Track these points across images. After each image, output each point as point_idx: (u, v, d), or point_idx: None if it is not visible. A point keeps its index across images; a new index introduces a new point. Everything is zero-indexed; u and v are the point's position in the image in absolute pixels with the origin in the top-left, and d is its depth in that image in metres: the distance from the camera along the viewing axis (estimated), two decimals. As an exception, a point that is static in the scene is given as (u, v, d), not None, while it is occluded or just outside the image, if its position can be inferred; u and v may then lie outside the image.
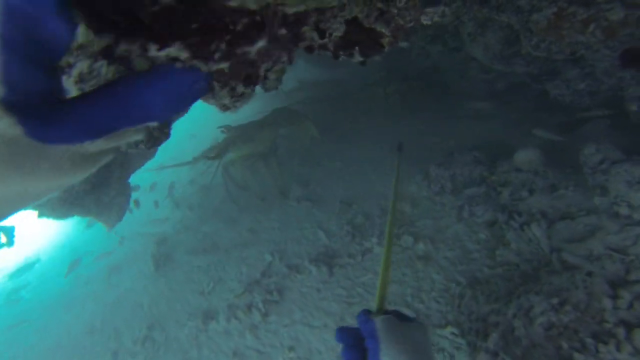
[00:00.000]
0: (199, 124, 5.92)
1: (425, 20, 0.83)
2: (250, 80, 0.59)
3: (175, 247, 2.74)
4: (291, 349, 1.52)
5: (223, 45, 0.34)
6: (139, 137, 0.35)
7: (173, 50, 0.33)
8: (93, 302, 2.69)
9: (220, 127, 2.66)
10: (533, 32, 1.47)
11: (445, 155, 2.17)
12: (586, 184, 1.46)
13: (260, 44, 0.36)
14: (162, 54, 0.34)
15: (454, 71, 3.18)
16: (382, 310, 0.55)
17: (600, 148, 1.37)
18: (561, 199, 1.45)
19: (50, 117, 0.26)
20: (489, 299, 1.20)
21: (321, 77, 4.67)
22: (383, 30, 0.64)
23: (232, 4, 0.28)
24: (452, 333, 1.23)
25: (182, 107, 0.37)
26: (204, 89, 0.39)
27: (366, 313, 0.54)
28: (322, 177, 2.78)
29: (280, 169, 2.74)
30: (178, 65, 0.35)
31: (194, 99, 0.38)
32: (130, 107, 0.29)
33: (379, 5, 0.58)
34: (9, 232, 3.01)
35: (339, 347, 1.42)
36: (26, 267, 4.80)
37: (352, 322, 1.50)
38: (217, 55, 0.35)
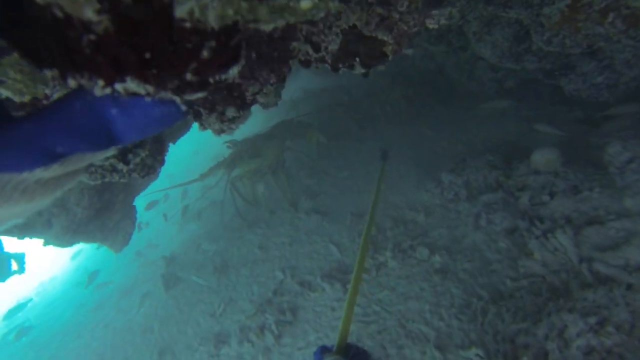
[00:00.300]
0: (201, 140, 5.90)
1: (431, 24, 0.77)
2: (239, 104, 0.52)
3: (184, 266, 2.69)
4: (307, 375, 1.45)
5: (190, 76, 0.28)
6: (109, 153, 0.30)
7: (131, 86, 0.27)
8: (102, 328, 2.64)
9: (226, 142, 2.62)
10: (545, 26, 1.39)
11: (457, 161, 2.08)
12: (613, 184, 1.37)
13: (236, 68, 0.29)
14: (119, 88, 0.28)
15: (460, 72, 3.08)
16: (342, 347, 0.57)
17: (627, 145, 1.28)
18: (586, 202, 1.35)
19: None
20: (516, 316, 1.11)
21: (326, 85, 4.62)
22: (385, 38, 0.57)
23: (186, 25, 0.21)
24: (477, 355, 1.14)
25: (151, 131, 0.32)
26: (179, 114, 0.34)
27: (323, 351, 0.57)
28: (331, 188, 2.71)
29: (288, 182, 2.67)
30: (146, 98, 0.29)
31: (167, 124, 0.34)
32: (88, 130, 0.26)
33: (379, 10, 0.51)
34: (20, 259, 3.00)
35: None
36: (20, 307, 4.83)
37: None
38: (188, 87, 0.28)
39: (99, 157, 0.29)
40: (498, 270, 1.39)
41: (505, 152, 2.01)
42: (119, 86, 0.27)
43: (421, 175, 2.34)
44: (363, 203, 2.39)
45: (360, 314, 1.57)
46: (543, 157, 1.66)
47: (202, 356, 1.79)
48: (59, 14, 0.22)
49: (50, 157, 0.24)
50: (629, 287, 0.94)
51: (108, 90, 0.27)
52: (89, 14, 0.19)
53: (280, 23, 0.23)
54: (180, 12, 0.21)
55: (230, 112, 0.54)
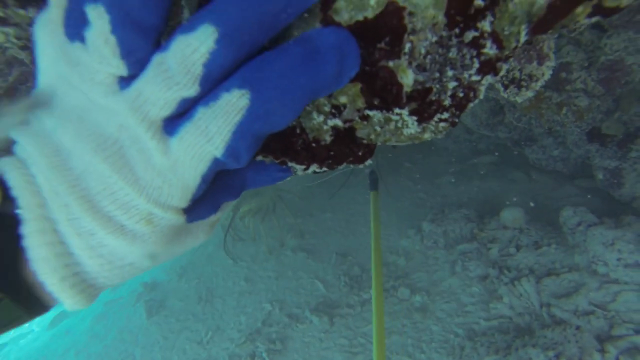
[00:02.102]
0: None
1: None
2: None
3: (168, 294, 2.72)
4: (298, 401, 1.55)
5: (327, 165, 0.46)
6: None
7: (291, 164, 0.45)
8: (75, 355, 2.58)
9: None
10: (517, 107, 1.71)
11: (435, 212, 2.33)
12: (566, 242, 1.64)
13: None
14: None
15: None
16: None
17: (577, 211, 1.56)
18: (545, 256, 1.60)
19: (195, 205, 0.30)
20: (489, 350, 1.30)
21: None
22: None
23: (363, 141, 0.41)
24: (456, 384, 1.31)
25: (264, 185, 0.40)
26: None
27: None
28: (315, 228, 2.88)
29: (279, 221, 2.83)
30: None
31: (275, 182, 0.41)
32: (239, 187, 0.33)
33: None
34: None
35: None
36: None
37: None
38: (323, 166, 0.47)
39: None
40: (472, 312, 1.59)
41: (478, 207, 2.29)
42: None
43: (402, 222, 2.56)
44: (347, 244, 2.56)
45: (346, 345, 1.70)
46: (511, 215, 1.94)
47: (190, 383, 1.85)
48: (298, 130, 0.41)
49: (218, 207, 0.31)
50: (578, 327, 1.17)
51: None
52: (326, 136, 0.39)
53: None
54: (360, 134, 0.41)
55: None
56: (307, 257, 2.51)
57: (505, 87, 0.40)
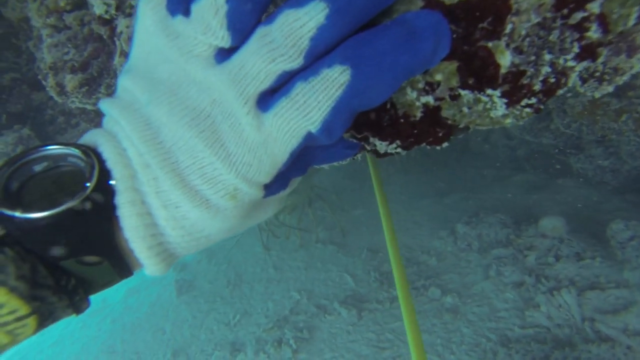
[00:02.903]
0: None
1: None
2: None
3: (197, 275, 2.81)
4: (324, 388, 1.57)
5: (409, 142, 0.46)
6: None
7: (373, 140, 0.46)
8: (110, 322, 2.72)
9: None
10: (567, 113, 1.65)
11: (470, 215, 2.28)
12: (613, 256, 1.57)
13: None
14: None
15: (477, 133, 3.37)
16: None
17: (629, 224, 1.49)
18: (588, 269, 1.54)
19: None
20: (525, 358, 1.27)
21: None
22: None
23: (448, 122, 0.41)
24: (486, 388, 1.29)
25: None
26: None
27: None
28: (346, 223, 2.88)
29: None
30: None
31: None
32: (306, 164, 0.34)
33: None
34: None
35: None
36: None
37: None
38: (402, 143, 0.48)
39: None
40: (506, 318, 1.56)
41: (514, 213, 2.22)
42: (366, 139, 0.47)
43: (433, 223, 2.53)
44: (378, 240, 2.55)
45: (374, 339, 1.71)
46: (550, 224, 1.88)
47: (218, 361, 1.91)
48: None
49: (289, 183, 0.32)
50: (629, 347, 1.12)
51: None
52: (417, 112, 0.40)
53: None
54: (446, 114, 0.41)
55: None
56: (338, 250, 2.52)
57: (584, 80, 0.40)
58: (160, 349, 2.17)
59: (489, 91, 0.36)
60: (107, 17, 0.64)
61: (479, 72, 0.35)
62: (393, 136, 0.43)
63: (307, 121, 0.24)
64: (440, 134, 0.44)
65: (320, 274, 2.32)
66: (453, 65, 0.35)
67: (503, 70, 0.34)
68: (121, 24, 0.73)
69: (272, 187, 0.29)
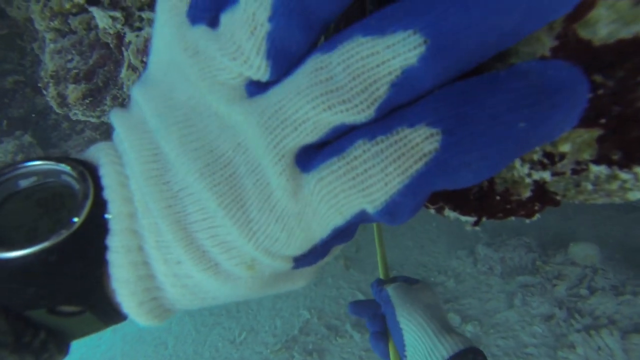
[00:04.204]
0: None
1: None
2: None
3: (203, 285, 2.72)
4: None
5: None
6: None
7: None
8: (111, 332, 2.64)
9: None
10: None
11: (491, 235, 2.16)
12: (656, 293, 1.44)
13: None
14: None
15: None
16: (390, 278, 0.59)
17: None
18: (630, 306, 1.42)
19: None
20: (561, 408, 1.15)
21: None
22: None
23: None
24: None
25: None
26: None
27: (380, 283, 0.57)
28: (358, 237, 2.78)
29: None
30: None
31: None
32: (353, 229, 0.31)
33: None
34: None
35: None
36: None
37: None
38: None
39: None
40: (535, 355, 1.44)
41: (539, 236, 2.10)
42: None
43: (451, 241, 2.41)
44: (390, 257, 2.45)
45: (389, 371, 1.60)
46: (582, 251, 1.75)
47: (222, 383, 1.81)
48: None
49: (328, 250, 0.26)
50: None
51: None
52: (525, 192, 0.29)
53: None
54: (554, 188, 0.31)
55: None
56: (349, 266, 2.42)
57: None
58: (162, 365, 2.09)
59: (638, 168, 0.26)
60: (111, 32, 0.54)
61: (634, 145, 0.25)
62: (479, 211, 0.32)
63: (365, 198, 0.17)
64: (536, 207, 0.34)
65: (331, 290, 2.22)
66: (592, 133, 0.25)
67: None
68: (129, 34, 0.63)
69: (305, 259, 0.22)
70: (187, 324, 2.33)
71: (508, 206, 0.31)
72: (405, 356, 0.47)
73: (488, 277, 1.96)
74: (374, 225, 0.64)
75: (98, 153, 0.21)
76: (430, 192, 0.17)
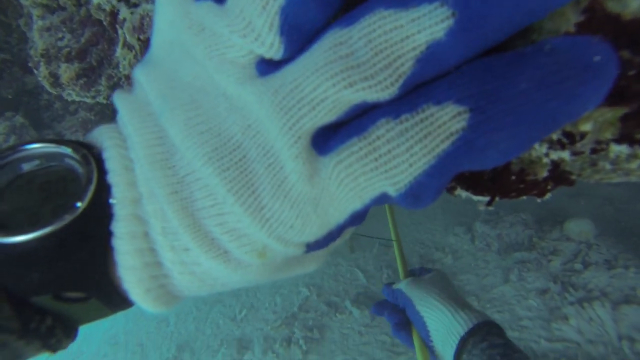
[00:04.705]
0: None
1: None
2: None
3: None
4: (336, 395, 1.52)
5: None
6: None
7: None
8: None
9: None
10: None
11: (489, 212, 2.18)
12: (647, 266, 1.48)
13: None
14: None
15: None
16: (409, 273, 0.63)
17: (669, 235, 1.39)
18: (621, 279, 1.45)
19: None
20: (554, 377, 1.20)
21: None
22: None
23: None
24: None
25: None
26: None
27: (389, 286, 0.61)
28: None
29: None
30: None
31: None
32: (365, 211, 0.29)
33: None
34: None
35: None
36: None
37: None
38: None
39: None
40: (530, 328, 1.48)
41: (536, 212, 2.12)
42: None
43: (448, 217, 2.43)
44: (390, 235, 2.48)
45: (388, 342, 1.64)
46: (578, 227, 1.77)
47: (225, 359, 1.85)
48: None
49: (340, 233, 0.24)
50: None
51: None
52: (543, 172, 0.29)
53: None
54: (569, 167, 0.30)
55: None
56: (347, 243, 2.44)
57: None
58: (165, 342, 2.13)
59: None
60: (106, 8, 0.52)
61: None
62: (492, 191, 0.32)
63: (387, 180, 0.16)
64: (549, 187, 0.34)
65: (330, 268, 2.25)
66: (615, 112, 0.25)
67: None
68: (123, 10, 0.61)
69: (318, 244, 0.21)
70: (188, 302, 2.36)
71: (522, 185, 0.31)
72: (432, 340, 0.48)
73: (485, 253, 2.00)
74: (391, 228, 0.64)
75: (102, 136, 0.21)
76: (456, 173, 0.17)
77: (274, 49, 0.16)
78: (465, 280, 1.88)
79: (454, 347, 0.46)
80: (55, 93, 0.92)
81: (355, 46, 0.15)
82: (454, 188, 0.32)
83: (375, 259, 2.24)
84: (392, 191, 0.17)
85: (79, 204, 0.18)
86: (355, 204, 0.18)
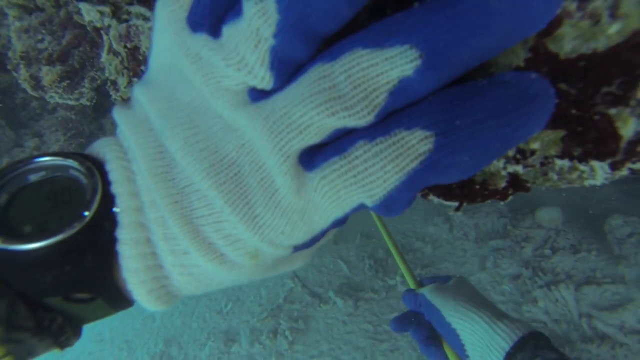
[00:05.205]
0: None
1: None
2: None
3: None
4: (322, 382, 1.57)
5: None
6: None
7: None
8: (97, 307, 2.65)
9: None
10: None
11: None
12: (608, 250, 1.58)
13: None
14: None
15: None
16: (419, 283, 0.56)
17: (629, 221, 1.49)
18: (584, 262, 1.56)
19: None
20: (524, 356, 1.28)
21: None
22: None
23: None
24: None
25: None
26: None
27: (410, 291, 0.55)
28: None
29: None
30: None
31: None
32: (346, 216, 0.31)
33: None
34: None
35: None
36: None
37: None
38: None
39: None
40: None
41: (510, 202, 2.21)
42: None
43: (428, 208, 2.51)
44: (371, 226, 2.54)
45: (371, 331, 1.71)
46: (548, 215, 1.87)
47: (212, 352, 1.88)
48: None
49: (323, 234, 0.26)
50: (625, 346, 1.13)
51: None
52: (501, 182, 0.33)
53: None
54: (525, 176, 0.35)
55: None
56: (337, 241, 2.49)
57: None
58: (151, 337, 2.13)
59: (595, 163, 0.30)
60: (98, 25, 0.53)
61: (594, 144, 0.29)
62: (460, 198, 0.36)
63: (364, 193, 0.19)
64: (510, 192, 0.39)
65: (314, 260, 2.30)
66: (557, 134, 0.29)
67: (623, 142, 0.28)
68: (108, 19, 0.62)
69: (304, 245, 0.24)
70: (173, 298, 2.36)
71: (485, 192, 0.35)
72: (468, 356, 0.43)
73: (463, 242, 2.08)
74: (387, 240, 0.63)
75: (104, 149, 0.22)
76: (423, 187, 0.19)
77: (265, 81, 0.18)
78: (443, 268, 1.97)
79: None
80: (37, 96, 0.92)
81: (336, 80, 0.17)
82: (427, 194, 0.37)
83: (357, 249, 2.30)
84: (368, 202, 0.19)
85: (86, 213, 0.20)
86: (337, 213, 0.20)
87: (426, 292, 0.50)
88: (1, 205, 0.20)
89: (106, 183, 0.21)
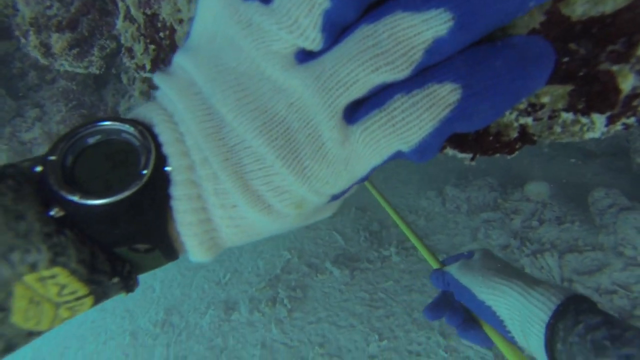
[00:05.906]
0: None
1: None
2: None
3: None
4: (321, 345, 1.65)
5: None
6: None
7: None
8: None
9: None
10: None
11: (458, 177, 2.34)
12: (590, 221, 1.67)
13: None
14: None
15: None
16: (441, 263, 0.55)
17: (609, 193, 1.57)
18: (568, 232, 1.65)
19: None
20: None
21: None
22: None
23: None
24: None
25: None
26: None
27: (437, 271, 0.53)
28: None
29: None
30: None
31: None
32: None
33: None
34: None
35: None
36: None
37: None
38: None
39: None
40: (492, 278, 1.66)
41: (501, 176, 2.29)
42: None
43: (421, 182, 2.58)
44: (366, 199, 2.59)
45: (367, 299, 1.79)
46: (536, 189, 1.96)
47: (213, 319, 1.95)
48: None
49: (353, 186, 0.27)
50: (601, 305, 1.23)
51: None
52: (513, 133, 0.37)
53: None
54: (532, 130, 0.39)
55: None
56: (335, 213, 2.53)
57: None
58: (152, 306, 2.19)
59: (595, 115, 0.35)
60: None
61: (597, 98, 0.33)
62: (474, 149, 0.41)
63: (402, 140, 0.21)
64: (517, 146, 0.43)
65: (309, 232, 2.36)
66: (565, 88, 0.33)
67: (622, 96, 0.33)
68: (126, -18, 0.64)
69: (340, 194, 0.26)
70: (172, 269, 2.42)
71: (497, 145, 0.39)
72: (509, 331, 0.40)
73: (455, 215, 2.16)
74: (405, 229, 0.63)
75: (149, 114, 0.24)
76: (452, 134, 0.22)
77: (315, 42, 0.20)
78: (436, 240, 2.05)
79: (541, 337, 0.36)
80: (47, 63, 0.93)
81: (379, 38, 0.19)
82: (444, 147, 0.41)
83: (352, 222, 2.36)
84: (405, 148, 0.21)
85: (144, 172, 0.21)
86: (377, 160, 0.22)
87: (452, 270, 0.48)
88: (69, 166, 0.22)
89: (157, 144, 0.22)
